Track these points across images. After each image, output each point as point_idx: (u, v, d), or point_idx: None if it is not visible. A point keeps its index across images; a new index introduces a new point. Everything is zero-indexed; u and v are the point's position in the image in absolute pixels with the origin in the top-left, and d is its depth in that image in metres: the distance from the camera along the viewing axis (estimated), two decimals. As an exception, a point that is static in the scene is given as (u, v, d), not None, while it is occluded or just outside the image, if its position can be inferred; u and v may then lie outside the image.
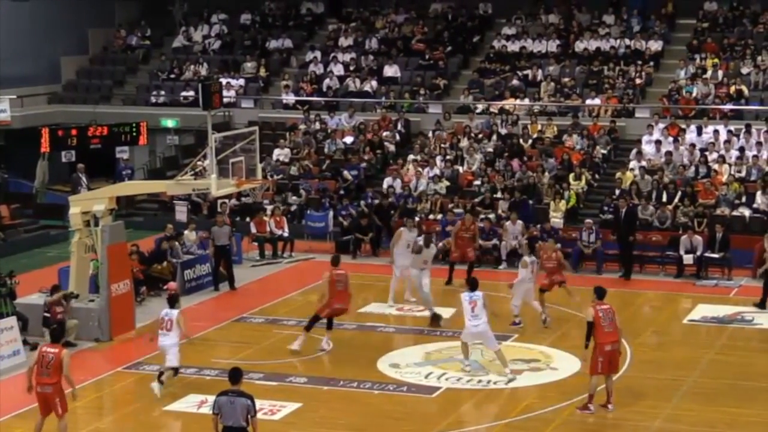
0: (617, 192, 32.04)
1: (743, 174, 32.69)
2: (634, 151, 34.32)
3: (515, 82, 38.98)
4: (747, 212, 30.99)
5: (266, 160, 34.79)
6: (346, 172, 35.20)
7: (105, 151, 36.70)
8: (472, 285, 21.29)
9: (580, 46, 40.43)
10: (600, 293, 19.44)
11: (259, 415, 15.72)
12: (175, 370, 20.23)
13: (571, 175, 33.29)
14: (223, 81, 38.21)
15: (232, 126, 37.79)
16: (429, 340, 23.62)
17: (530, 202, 32.32)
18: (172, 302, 20.33)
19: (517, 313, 24.60)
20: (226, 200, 32.94)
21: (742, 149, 33.61)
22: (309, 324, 22.75)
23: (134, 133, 36.86)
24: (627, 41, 39.91)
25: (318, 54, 42.41)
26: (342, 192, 34.23)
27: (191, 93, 40.31)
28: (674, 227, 30.54)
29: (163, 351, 20.19)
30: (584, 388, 20.33)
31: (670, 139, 34.58)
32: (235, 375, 15.66)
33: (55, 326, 18.89)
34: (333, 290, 22.46)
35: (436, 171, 34.55)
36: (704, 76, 37.33)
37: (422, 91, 39.63)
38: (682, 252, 29.17)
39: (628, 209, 29.70)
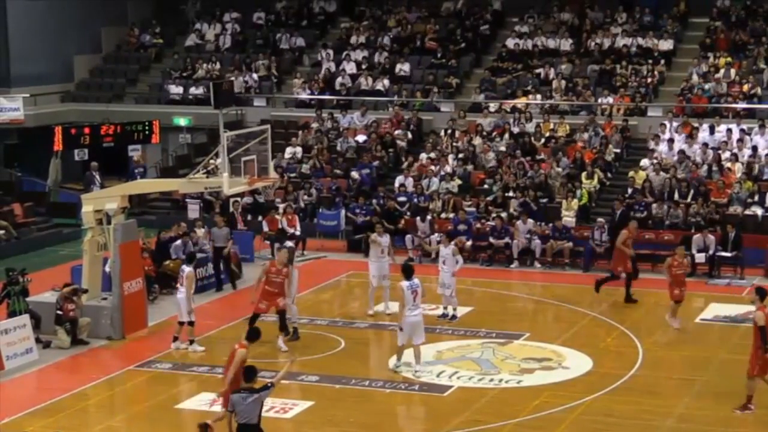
0: (629, 191, 32.00)
1: (756, 173, 32.60)
2: (651, 143, 34.23)
3: (528, 79, 38.96)
4: (759, 211, 30.89)
5: (278, 158, 34.81)
6: (354, 173, 35.14)
7: (118, 149, 36.81)
8: (409, 273, 20.97)
9: (592, 44, 40.35)
10: (763, 295, 19.01)
11: (271, 414, 15.77)
12: (181, 324, 22.51)
13: (584, 174, 33.26)
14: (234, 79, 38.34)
15: (244, 124, 37.85)
16: (441, 339, 23.62)
17: (541, 201, 32.26)
18: (190, 259, 23.20)
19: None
20: (239, 198, 32.97)
21: (755, 148, 33.53)
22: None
23: (147, 132, 36.91)
24: (639, 39, 39.82)
25: (330, 52, 42.42)
26: (352, 192, 34.26)
27: (203, 91, 40.35)
28: (686, 226, 30.48)
29: None
30: (595, 386, 20.36)
31: (683, 137, 34.52)
32: (250, 373, 15.73)
33: (252, 327, 18.72)
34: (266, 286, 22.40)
35: (448, 169, 34.54)
36: (717, 75, 37.25)
37: (435, 90, 39.63)
38: (694, 251, 29.10)
39: (623, 211, 29.56)
